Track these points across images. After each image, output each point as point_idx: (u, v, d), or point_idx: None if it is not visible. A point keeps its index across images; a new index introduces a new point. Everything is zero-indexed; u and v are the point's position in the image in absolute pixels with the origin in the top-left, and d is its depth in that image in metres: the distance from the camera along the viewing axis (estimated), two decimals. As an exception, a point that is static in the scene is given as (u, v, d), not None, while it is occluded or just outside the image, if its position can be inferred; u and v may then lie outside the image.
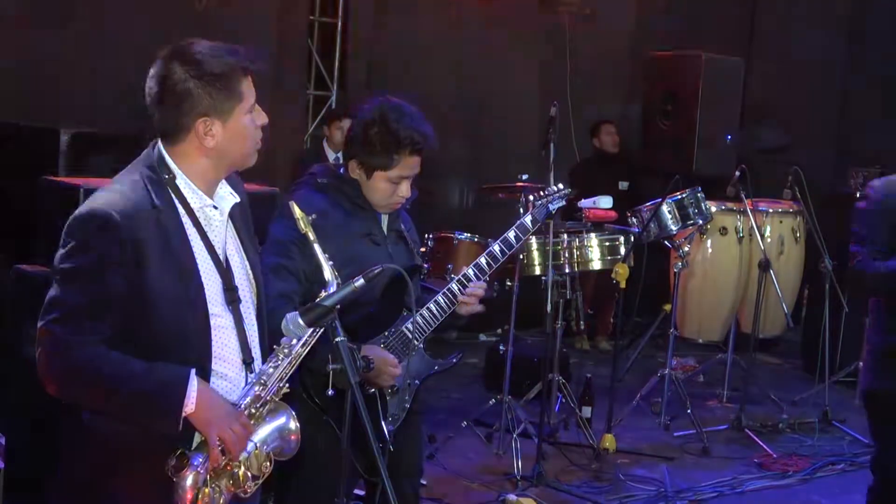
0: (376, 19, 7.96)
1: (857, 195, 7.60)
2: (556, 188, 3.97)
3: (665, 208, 6.17)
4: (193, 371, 2.44)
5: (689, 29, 9.13)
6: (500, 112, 8.64)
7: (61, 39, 6.39)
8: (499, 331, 7.98)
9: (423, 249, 5.67)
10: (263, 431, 2.56)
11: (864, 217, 4.07)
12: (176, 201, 2.53)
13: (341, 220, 3.32)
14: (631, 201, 7.07)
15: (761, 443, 6.15)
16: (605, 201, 5.75)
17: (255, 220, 4.18)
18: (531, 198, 3.95)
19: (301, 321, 2.70)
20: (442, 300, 3.45)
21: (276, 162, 7.35)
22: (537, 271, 5.95)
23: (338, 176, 3.38)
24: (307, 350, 2.64)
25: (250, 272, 2.70)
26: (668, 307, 6.65)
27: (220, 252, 2.60)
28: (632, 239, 6.11)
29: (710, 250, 7.11)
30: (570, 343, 8.04)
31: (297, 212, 2.71)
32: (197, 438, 2.48)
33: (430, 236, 5.95)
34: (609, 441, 5.72)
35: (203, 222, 2.57)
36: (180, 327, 2.48)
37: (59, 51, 6.37)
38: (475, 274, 3.51)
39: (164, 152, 2.56)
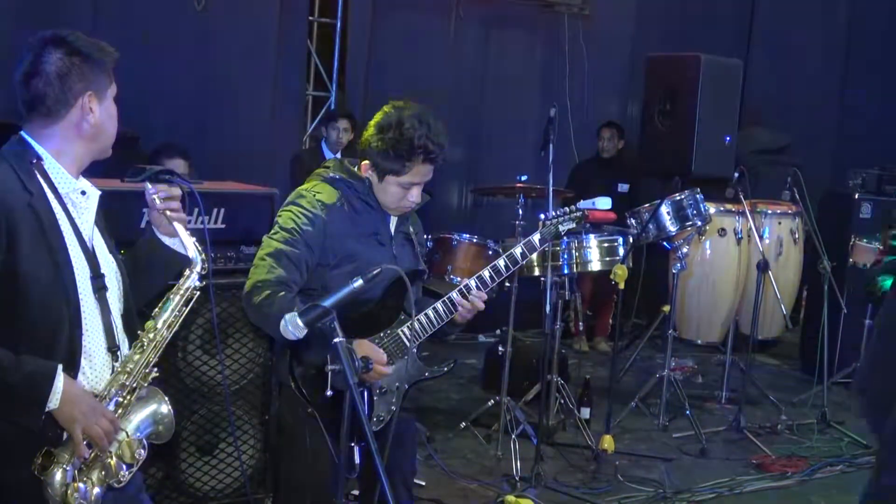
0: (375, 20, 7.96)
1: (856, 196, 7.63)
2: (567, 209, 3.94)
3: (664, 209, 6.17)
4: (60, 367, 2.42)
5: (687, 30, 9.14)
6: (499, 113, 8.64)
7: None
8: (497, 331, 7.98)
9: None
10: (135, 419, 2.59)
11: None
12: (45, 186, 2.52)
13: (349, 216, 3.36)
14: (630, 203, 7.06)
15: (760, 444, 6.15)
16: (604, 202, 5.73)
17: (251, 220, 4.22)
18: (542, 216, 3.94)
19: (299, 322, 2.72)
20: (441, 308, 3.45)
21: (274, 162, 7.36)
22: (536, 272, 5.94)
23: (350, 172, 3.41)
24: (172, 334, 2.66)
25: (113, 260, 2.70)
26: (666, 308, 6.65)
27: (87, 239, 2.60)
28: (630, 240, 6.11)
29: (708, 251, 7.10)
30: (568, 344, 8.06)
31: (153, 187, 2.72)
32: (66, 434, 2.48)
33: (429, 237, 5.95)
34: (608, 442, 5.73)
35: (70, 208, 2.57)
36: (52, 316, 2.47)
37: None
38: (477, 286, 3.51)
39: (29, 138, 2.57)
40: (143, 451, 2.60)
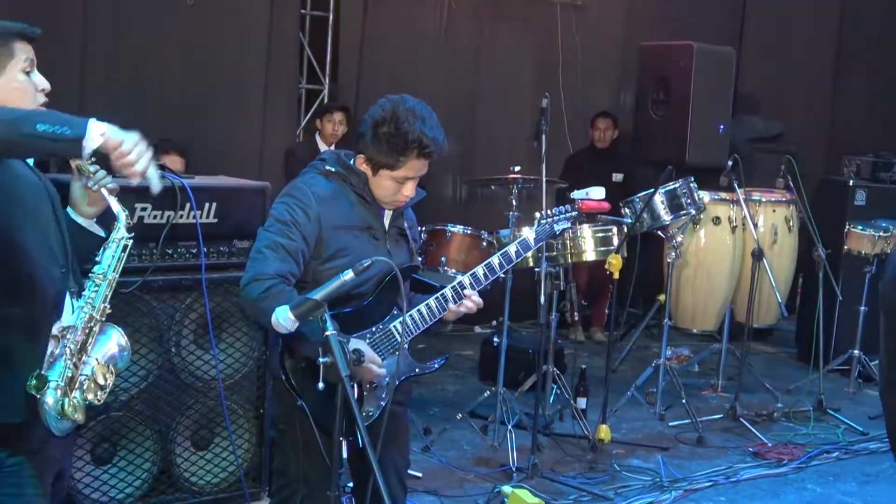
0: (367, 12, 7.94)
1: (851, 183, 7.63)
2: (563, 209, 3.93)
3: (658, 199, 6.17)
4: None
5: (680, 19, 9.12)
6: (492, 104, 8.63)
7: (52, 37, 6.36)
8: (493, 322, 7.99)
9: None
10: (100, 347, 2.85)
11: None
12: None
13: (343, 209, 3.34)
14: (626, 193, 7.06)
15: (756, 432, 6.16)
16: (598, 192, 5.73)
17: (244, 214, 4.23)
18: (537, 215, 3.93)
19: (290, 315, 2.72)
20: (434, 304, 3.44)
21: (268, 155, 7.36)
22: (531, 263, 5.94)
23: (346, 166, 3.39)
24: (118, 273, 2.87)
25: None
26: (662, 298, 6.66)
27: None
28: (625, 230, 6.11)
29: (703, 240, 7.10)
30: (564, 334, 8.06)
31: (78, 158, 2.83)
32: (47, 361, 2.73)
33: (423, 229, 5.95)
34: (604, 432, 5.73)
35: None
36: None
37: (50, 49, 6.34)
38: (471, 283, 3.51)
39: None
40: (111, 375, 2.87)
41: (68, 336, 2.77)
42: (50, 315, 2.75)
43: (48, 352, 2.75)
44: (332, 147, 7.09)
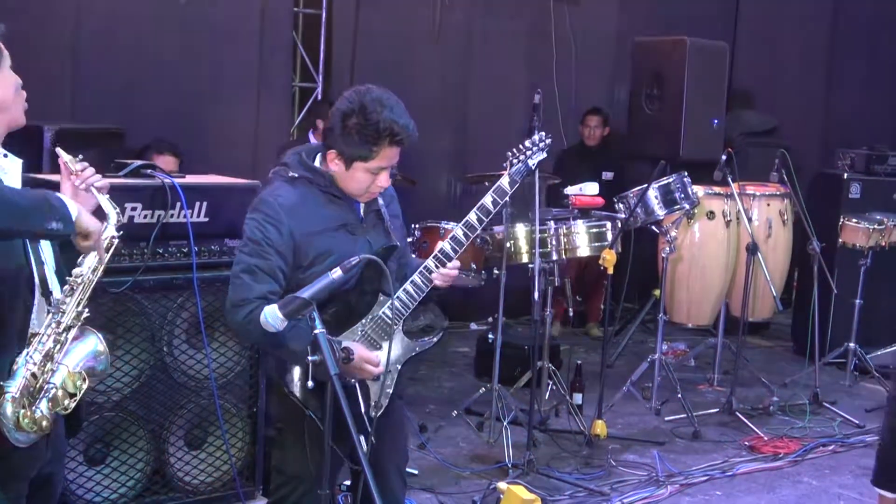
0: (360, 9, 7.93)
1: (845, 176, 7.63)
2: (537, 138, 3.74)
3: (651, 193, 6.17)
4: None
5: (674, 13, 9.11)
6: (486, 100, 8.61)
7: (44, 35, 6.36)
8: (489, 319, 7.98)
9: (409, 239, 5.64)
10: (73, 354, 2.78)
11: None
12: None
13: (315, 213, 3.28)
14: (616, 191, 7.05)
15: (752, 425, 6.16)
16: (591, 188, 5.76)
17: (235, 213, 4.22)
18: (508, 155, 3.77)
19: (279, 314, 2.72)
20: (418, 279, 3.41)
21: (262, 154, 7.35)
22: (524, 259, 5.94)
23: (309, 168, 3.34)
24: (98, 276, 2.81)
25: None
26: (657, 292, 6.66)
27: None
28: (619, 225, 6.10)
29: (697, 235, 7.10)
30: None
31: (65, 156, 2.90)
32: (10, 369, 2.67)
33: (417, 227, 5.95)
34: (600, 427, 5.74)
35: None
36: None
37: (43, 47, 6.33)
38: (452, 248, 3.44)
39: None
40: (83, 383, 2.78)
41: (33, 344, 2.68)
42: (12, 347, 2.67)
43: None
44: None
